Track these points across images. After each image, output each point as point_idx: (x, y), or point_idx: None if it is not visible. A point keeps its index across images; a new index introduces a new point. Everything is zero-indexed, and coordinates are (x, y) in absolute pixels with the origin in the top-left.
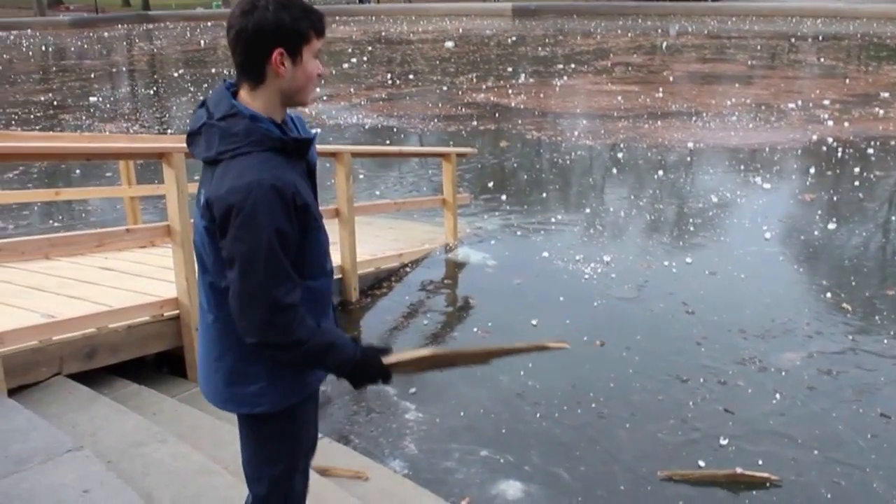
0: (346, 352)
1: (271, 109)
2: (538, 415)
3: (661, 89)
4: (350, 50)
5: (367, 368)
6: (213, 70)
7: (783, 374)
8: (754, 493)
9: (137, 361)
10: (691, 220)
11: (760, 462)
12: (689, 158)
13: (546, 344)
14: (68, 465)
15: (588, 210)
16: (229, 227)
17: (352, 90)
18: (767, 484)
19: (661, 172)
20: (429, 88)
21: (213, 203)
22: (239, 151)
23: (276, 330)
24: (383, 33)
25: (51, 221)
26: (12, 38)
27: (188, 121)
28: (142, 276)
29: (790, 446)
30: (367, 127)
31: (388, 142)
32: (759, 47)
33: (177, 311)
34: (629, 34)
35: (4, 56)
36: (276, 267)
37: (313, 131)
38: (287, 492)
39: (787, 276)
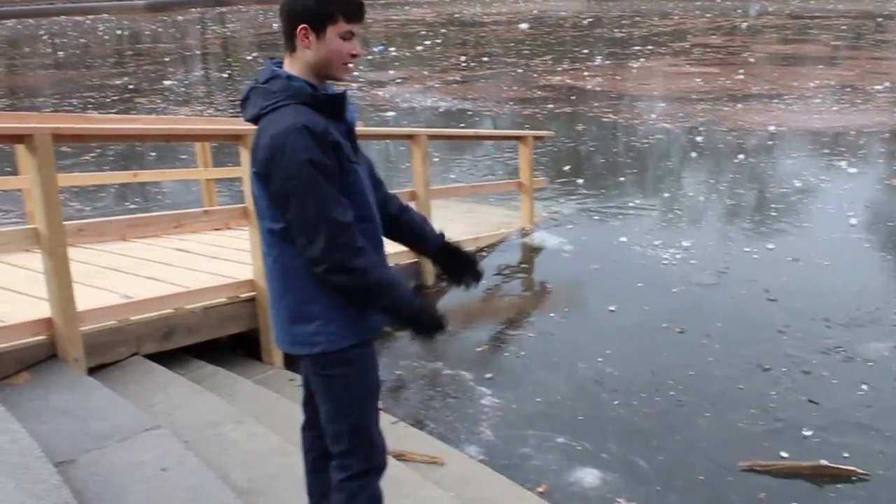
0: (407, 296)
1: (307, 76)
2: (616, 402)
3: (741, 71)
4: (423, 32)
5: (426, 318)
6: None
7: (870, 364)
8: (840, 486)
9: (213, 343)
10: (773, 206)
11: (846, 455)
12: (770, 142)
13: None
14: (147, 444)
15: (666, 194)
16: (274, 170)
17: (425, 73)
18: (853, 478)
19: (741, 156)
20: (503, 71)
21: (259, 150)
22: (277, 105)
23: (341, 250)
24: (457, 15)
25: (126, 204)
26: (88, 22)
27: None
28: (218, 258)
29: (878, 439)
30: (441, 110)
31: (462, 125)
32: (843, 27)
33: (253, 293)
34: (708, 15)
35: (81, 40)
36: (324, 191)
37: (354, 112)
38: (367, 445)
39: (873, 264)
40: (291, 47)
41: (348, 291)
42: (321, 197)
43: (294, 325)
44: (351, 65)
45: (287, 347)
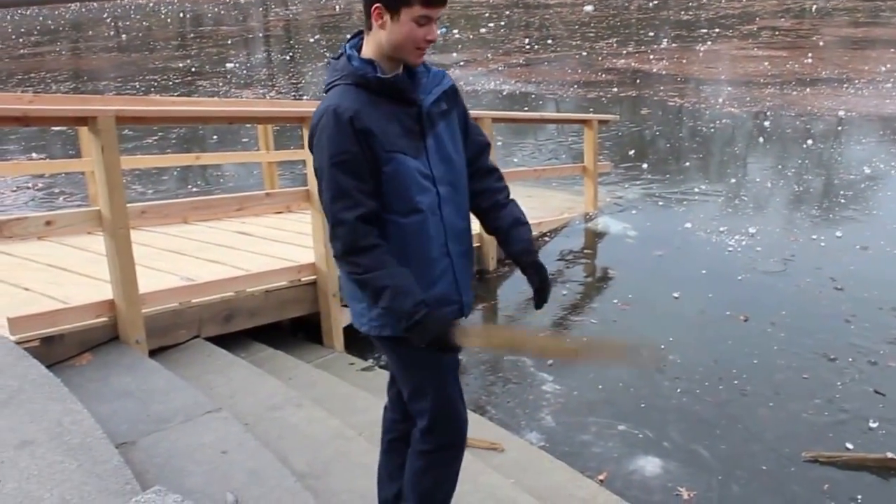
0: (405, 303)
1: (378, 55)
2: (678, 390)
3: (810, 55)
4: (487, 14)
5: (425, 331)
6: (349, 35)
7: None
8: None
9: (273, 326)
10: (841, 192)
11: None
12: (839, 127)
13: (640, 352)
14: (207, 426)
15: (732, 180)
16: (312, 150)
17: (489, 55)
18: None
19: (809, 142)
20: (567, 54)
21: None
22: (335, 83)
23: (337, 243)
24: None
25: (188, 187)
26: (151, 5)
27: (323, 87)
28: (279, 242)
29: None
30: (504, 93)
31: (526, 108)
32: None
33: (314, 277)
34: None
35: (144, 23)
36: (336, 183)
37: (438, 92)
38: (447, 419)
39: None
40: (368, 25)
41: (356, 284)
42: (332, 187)
43: (351, 301)
44: (425, 50)
45: (358, 327)
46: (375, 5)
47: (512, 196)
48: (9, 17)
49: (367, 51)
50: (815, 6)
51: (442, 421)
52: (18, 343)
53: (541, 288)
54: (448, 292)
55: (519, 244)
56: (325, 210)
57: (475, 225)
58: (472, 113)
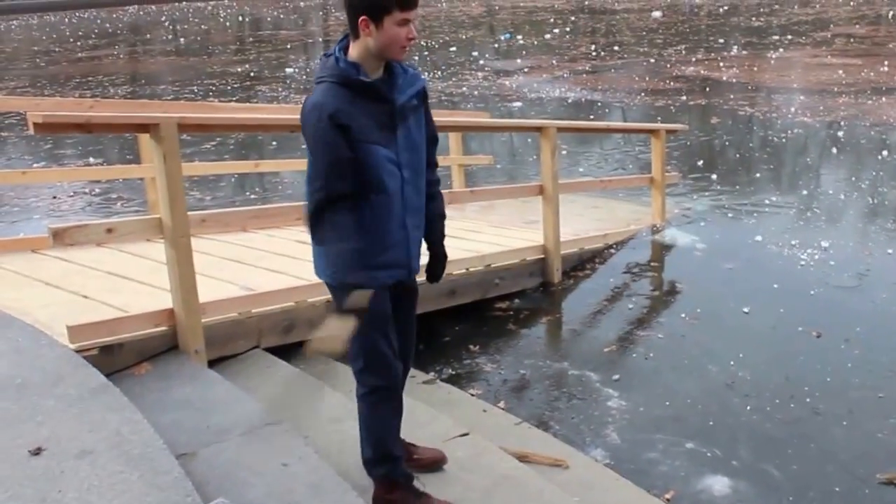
0: (344, 275)
1: (364, 58)
2: (748, 408)
3: (886, 63)
4: (552, 20)
5: (342, 296)
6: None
7: None
8: None
9: None
10: None
11: None
12: None
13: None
14: (267, 439)
15: (804, 192)
16: (303, 134)
17: (554, 62)
18: None
19: (884, 153)
20: (634, 61)
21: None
22: (322, 80)
23: (308, 211)
24: (587, 2)
25: (246, 193)
26: (210, 8)
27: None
28: None
29: None
30: (569, 101)
31: (591, 117)
32: None
33: None
34: (851, 3)
35: (203, 27)
36: (315, 165)
37: (411, 92)
38: (374, 362)
39: None
40: (355, 34)
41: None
42: (312, 168)
43: (317, 257)
44: (407, 47)
45: (318, 276)
46: (361, 17)
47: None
48: (67, 20)
49: (354, 54)
50: (891, 12)
51: (370, 363)
52: (77, 351)
53: (431, 271)
54: (398, 257)
55: (434, 234)
56: (306, 183)
57: (538, 236)
58: (537, 122)
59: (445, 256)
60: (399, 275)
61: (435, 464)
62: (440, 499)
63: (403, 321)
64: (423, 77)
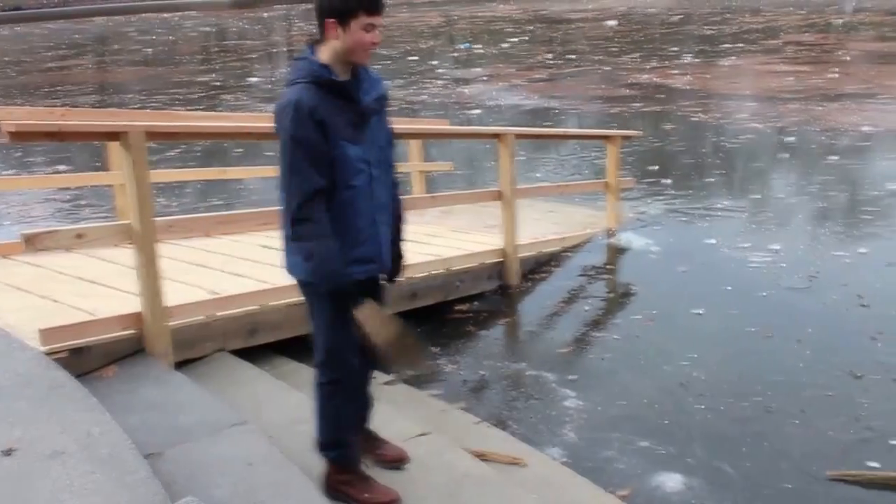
0: (325, 268)
1: (333, 61)
2: (702, 406)
3: (835, 70)
4: (509, 29)
5: (327, 284)
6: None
7: None
8: None
9: (297, 339)
10: (866, 208)
11: None
12: (864, 143)
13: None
14: (233, 439)
15: (756, 196)
16: (277, 132)
17: (511, 70)
18: None
19: (833, 157)
20: (590, 69)
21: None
22: (296, 80)
23: (287, 209)
24: (543, 12)
25: (211, 200)
26: (176, 19)
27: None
28: None
29: None
30: (527, 108)
31: (548, 123)
32: None
33: None
34: (801, 11)
35: (169, 37)
36: (293, 161)
37: (374, 94)
38: (333, 357)
39: None
40: (323, 36)
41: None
42: (290, 165)
43: (287, 253)
44: (371, 51)
45: (290, 274)
46: (329, 20)
47: (530, 211)
48: (37, 31)
49: (324, 57)
50: (840, 20)
51: (329, 359)
52: (48, 354)
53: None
54: (370, 253)
55: (393, 234)
56: (282, 180)
57: (498, 240)
58: (496, 129)
59: (402, 256)
60: (372, 270)
61: (397, 461)
62: (390, 488)
63: None
64: (385, 81)
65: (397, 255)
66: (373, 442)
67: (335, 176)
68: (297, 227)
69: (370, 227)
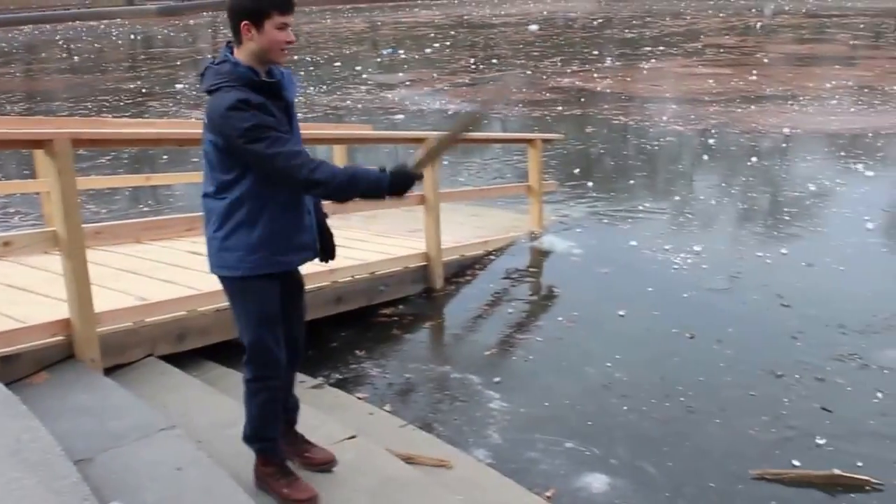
0: (371, 175)
1: (252, 62)
2: (625, 407)
3: (755, 72)
4: (432, 35)
5: (400, 183)
6: (295, 57)
7: (885, 372)
8: (853, 496)
9: (225, 344)
10: (787, 209)
11: (860, 464)
12: (784, 144)
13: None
14: (162, 444)
15: (677, 198)
16: (233, 139)
17: (434, 75)
18: (867, 487)
19: (754, 159)
20: (512, 73)
21: (213, 121)
22: (224, 85)
23: (304, 168)
24: (466, 17)
25: (140, 206)
26: (103, 27)
27: (208, 87)
28: None
29: (892, 448)
30: (449, 112)
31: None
32: (861, 26)
33: None
34: (721, 14)
35: (95, 45)
36: (270, 137)
37: (293, 90)
38: (259, 355)
39: (890, 269)
40: (238, 39)
41: (331, 195)
42: (271, 140)
43: (222, 252)
44: (287, 50)
45: (216, 270)
46: (244, 22)
47: (454, 215)
48: None
49: (241, 58)
50: (760, 23)
51: (255, 356)
52: None
53: (325, 247)
54: (309, 241)
55: (318, 214)
56: (277, 166)
57: (420, 244)
58: (417, 134)
59: (332, 234)
60: (308, 256)
61: (325, 464)
62: (310, 485)
63: (294, 310)
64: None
65: (329, 234)
66: (300, 445)
67: None
68: (324, 179)
69: (306, 214)
